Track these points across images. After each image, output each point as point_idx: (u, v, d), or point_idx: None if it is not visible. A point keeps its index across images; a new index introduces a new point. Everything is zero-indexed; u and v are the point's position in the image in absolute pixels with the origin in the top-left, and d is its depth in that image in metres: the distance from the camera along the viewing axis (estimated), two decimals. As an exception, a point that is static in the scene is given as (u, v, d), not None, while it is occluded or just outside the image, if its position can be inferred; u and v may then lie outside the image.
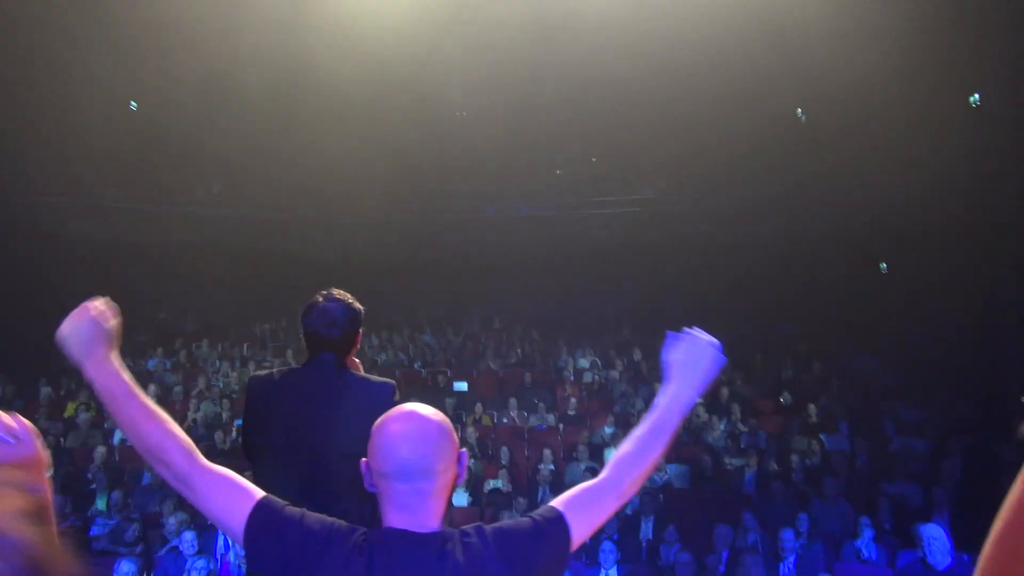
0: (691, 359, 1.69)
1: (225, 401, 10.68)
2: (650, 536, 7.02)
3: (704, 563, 6.23)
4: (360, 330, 2.64)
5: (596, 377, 12.04)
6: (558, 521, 1.45)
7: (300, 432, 2.43)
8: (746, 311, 14.08)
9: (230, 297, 14.83)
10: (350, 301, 2.61)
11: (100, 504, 7.77)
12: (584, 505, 1.49)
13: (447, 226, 14.77)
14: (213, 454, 9.25)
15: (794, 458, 8.35)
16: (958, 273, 10.37)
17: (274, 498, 1.48)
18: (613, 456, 1.62)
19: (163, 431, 1.44)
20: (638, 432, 1.64)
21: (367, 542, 1.38)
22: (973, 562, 4.70)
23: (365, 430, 2.31)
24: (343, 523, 1.43)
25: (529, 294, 16.23)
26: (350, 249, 14.11)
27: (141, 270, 12.37)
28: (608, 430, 9.89)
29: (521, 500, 8.11)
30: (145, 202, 11.79)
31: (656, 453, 1.62)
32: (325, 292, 2.63)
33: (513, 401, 10.92)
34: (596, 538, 6.57)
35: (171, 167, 12.26)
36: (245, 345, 13.41)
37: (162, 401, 10.57)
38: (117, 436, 9.70)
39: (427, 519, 1.42)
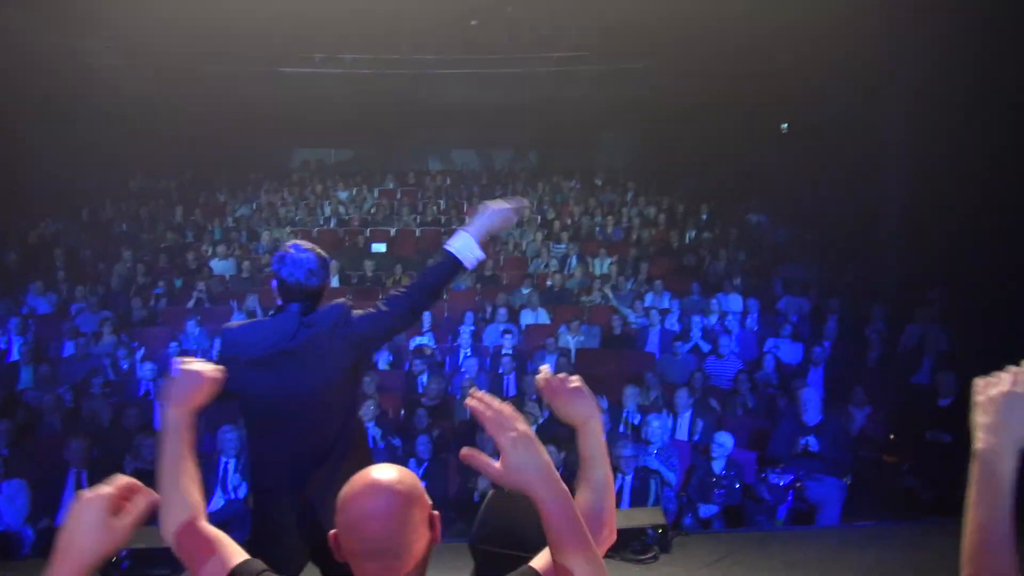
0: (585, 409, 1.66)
1: (140, 266, 10.54)
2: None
3: (616, 421, 6.98)
4: (328, 279, 2.83)
5: (511, 236, 12.43)
6: None
7: (270, 381, 2.65)
8: (654, 168, 14.60)
9: (126, 153, 14.11)
10: (320, 250, 2.77)
11: (26, 378, 7.81)
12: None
13: (357, 77, 14.24)
14: (128, 322, 9.28)
15: (694, 318, 9.13)
16: (852, 141, 11.05)
17: (248, 568, 1.49)
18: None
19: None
20: (583, 492, 1.62)
21: None
22: (838, 414, 5.51)
23: (332, 360, 2.68)
24: None
25: (444, 149, 16.18)
26: (256, 99, 13.54)
27: (36, 128, 11.57)
28: (525, 291, 10.40)
29: (444, 363, 8.67)
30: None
31: (608, 502, 1.61)
32: (292, 243, 2.78)
33: (431, 262, 11.21)
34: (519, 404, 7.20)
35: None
36: (151, 204, 12.99)
37: (71, 267, 10.34)
38: (27, 305, 9.52)
39: None
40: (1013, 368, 1.27)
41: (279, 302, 2.78)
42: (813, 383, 7.50)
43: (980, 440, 1.22)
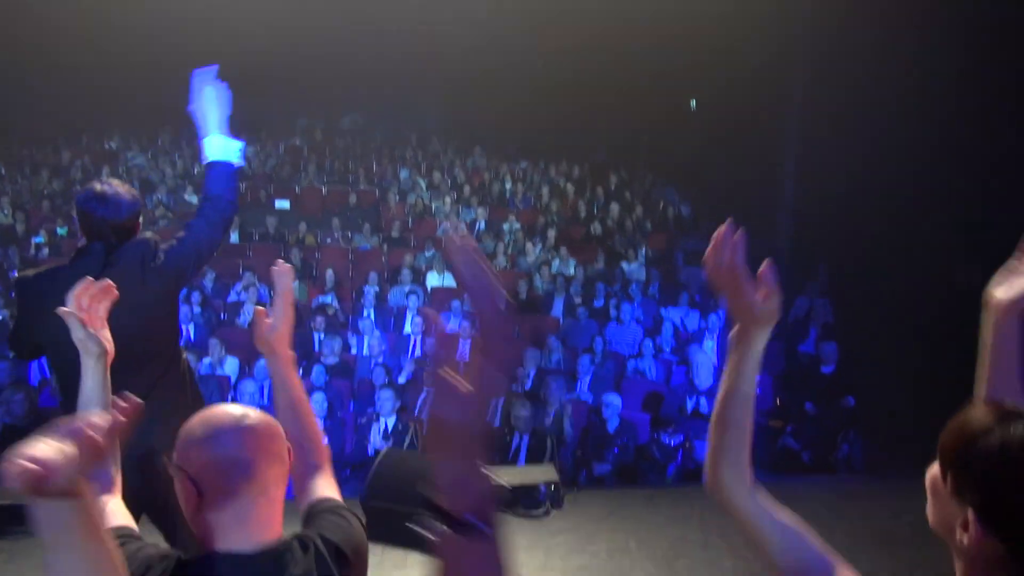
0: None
1: (19, 213, 9.86)
2: (465, 359, 7.69)
3: (514, 383, 7.03)
4: (140, 218, 2.65)
5: (420, 198, 12.27)
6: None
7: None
8: (563, 138, 14.66)
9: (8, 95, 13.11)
10: (128, 188, 2.61)
11: None
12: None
13: (263, 26, 13.63)
14: (3, 272, 8.68)
15: (598, 285, 9.28)
16: (754, 121, 11.41)
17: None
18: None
19: None
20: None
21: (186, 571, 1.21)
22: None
23: (144, 299, 2.49)
24: (157, 552, 1.27)
25: (354, 105, 15.74)
26: (156, 41, 12.76)
27: None
28: (429, 253, 10.31)
29: (347, 322, 8.51)
30: None
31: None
32: (101, 180, 2.61)
33: (336, 221, 10.97)
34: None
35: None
36: (34, 149, 12.15)
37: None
38: None
39: (261, 530, 1.27)
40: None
41: (81, 242, 2.58)
42: (707, 350, 7.76)
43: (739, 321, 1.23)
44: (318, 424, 1.68)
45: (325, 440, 1.66)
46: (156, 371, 2.56)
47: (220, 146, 2.67)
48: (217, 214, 2.68)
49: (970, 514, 0.99)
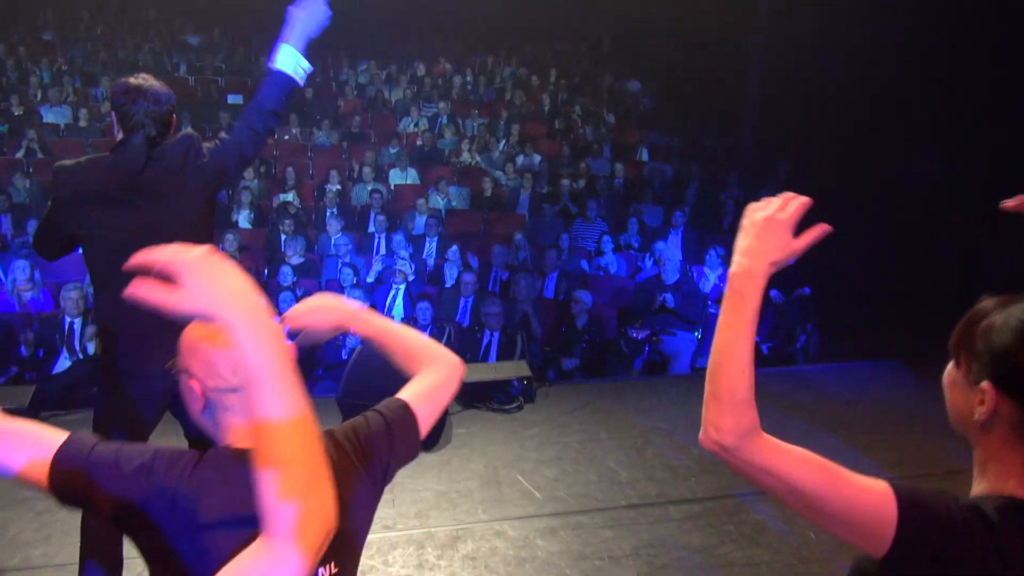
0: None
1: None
2: (434, 256, 7.70)
3: (483, 280, 7.06)
4: (175, 112, 2.59)
5: (379, 91, 11.88)
6: (406, 410, 1.44)
7: (116, 220, 2.44)
8: (526, 29, 14.19)
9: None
10: (160, 81, 2.55)
11: None
12: (428, 394, 1.48)
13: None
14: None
15: (563, 181, 9.21)
16: (722, 9, 11.12)
17: (79, 439, 1.20)
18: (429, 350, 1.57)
19: None
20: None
21: (199, 467, 1.20)
22: (693, 274, 5.87)
23: (185, 196, 2.51)
24: (166, 453, 1.22)
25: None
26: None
27: None
28: (392, 150, 10.08)
29: (310, 221, 8.37)
30: None
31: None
32: (134, 75, 2.53)
33: (294, 116, 10.61)
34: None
35: None
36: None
37: None
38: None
39: None
40: (785, 195, 1.18)
41: (119, 136, 2.50)
42: (672, 245, 7.85)
43: (735, 264, 1.15)
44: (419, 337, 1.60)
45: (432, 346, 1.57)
46: None
47: (291, 59, 2.62)
48: (261, 123, 2.63)
49: (985, 385, 1.04)
